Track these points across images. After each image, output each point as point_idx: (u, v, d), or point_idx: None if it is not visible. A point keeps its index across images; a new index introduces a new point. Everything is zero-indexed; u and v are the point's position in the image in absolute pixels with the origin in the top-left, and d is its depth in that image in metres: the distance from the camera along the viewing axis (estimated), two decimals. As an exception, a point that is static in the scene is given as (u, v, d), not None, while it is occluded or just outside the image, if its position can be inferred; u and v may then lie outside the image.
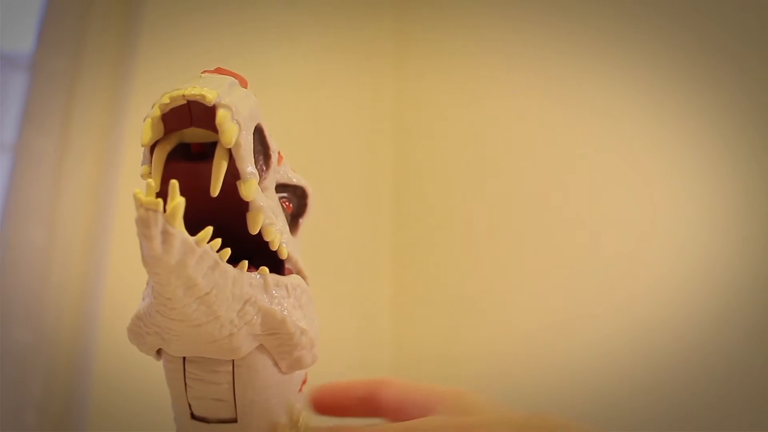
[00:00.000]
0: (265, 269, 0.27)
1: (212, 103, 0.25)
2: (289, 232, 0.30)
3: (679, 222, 0.74)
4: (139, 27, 0.93)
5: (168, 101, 0.25)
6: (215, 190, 0.25)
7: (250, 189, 0.25)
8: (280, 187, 0.31)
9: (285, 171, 0.31)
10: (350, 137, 1.09)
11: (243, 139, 0.25)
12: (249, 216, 0.26)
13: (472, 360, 0.88)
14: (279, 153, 0.30)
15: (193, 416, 0.32)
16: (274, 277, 0.28)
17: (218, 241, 0.25)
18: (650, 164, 0.78)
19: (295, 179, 0.32)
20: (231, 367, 0.30)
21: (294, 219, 0.32)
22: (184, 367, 0.31)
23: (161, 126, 0.26)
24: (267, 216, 0.27)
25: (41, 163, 0.89)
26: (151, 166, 0.26)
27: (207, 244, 0.24)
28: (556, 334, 0.81)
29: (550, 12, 0.91)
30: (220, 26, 0.98)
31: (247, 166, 0.25)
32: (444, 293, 0.96)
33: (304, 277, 0.31)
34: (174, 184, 0.23)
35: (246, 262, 0.26)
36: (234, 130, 0.24)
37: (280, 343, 0.29)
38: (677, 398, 0.69)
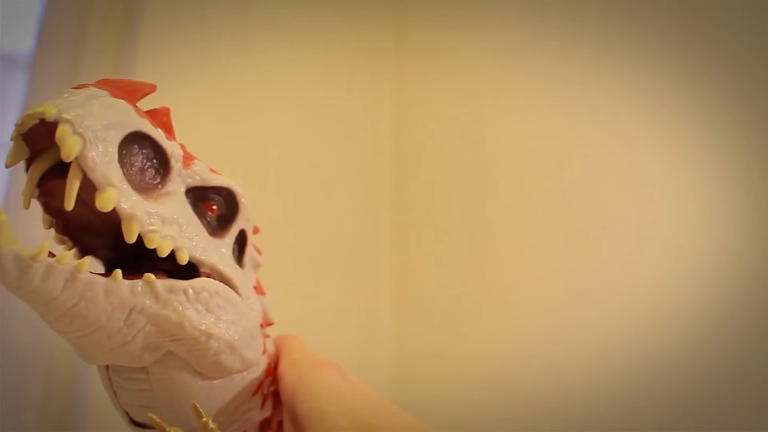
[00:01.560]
0: (149, 276, 0.27)
1: (52, 119, 0.25)
2: (204, 236, 0.30)
3: (680, 222, 0.74)
4: (139, 27, 0.93)
5: (20, 122, 0.26)
6: (68, 204, 0.25)
7: (105, 199, 0.25)
8: (200, 191, 0.31)
9: (200, 173, 0.31)
10: (350, 137, 1.09)
11: (89, 151, 0.24)
12: (123, 226, 0.26)
13: (472, 360, 0.88)
14: (188, 155, 0.30)
15: (132, 422, 0.32)
16: (166, 283, 0.28)
17: (68, 254, 0.25)
18: (650, 164, 0.78)
19: (217, 181, 0.31)
20: (146, 374, 0.30)
21: (223, 221, 0.32)
22: (109, 375, 0.32)
23: (23, 146, 0.26)
24: (145, 223, 0.26)
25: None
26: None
27: (52, 258, 0.25)
28: (557, 334, 0.81)
29: (550, 12, 0.91)
30: (220, 26, 0.98)
31: (100, 176, 0.25)
32: (444, 293, 0.96)
33: (226, 280, 0.30)
34: None
35: (119, 271, 0.26)
36: (74, 143, 0.24)
37: (187, 348, 0.29)
38: (677, 398, 0.69)
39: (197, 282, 0.29)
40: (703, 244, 0.71)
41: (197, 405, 0.30)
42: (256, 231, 0.36)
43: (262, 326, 0.34)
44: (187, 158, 0.30)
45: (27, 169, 0.27)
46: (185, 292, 0.28)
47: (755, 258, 0.68)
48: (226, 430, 0.33)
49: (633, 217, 0.78)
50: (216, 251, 0.30)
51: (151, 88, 0.30)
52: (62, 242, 0.30)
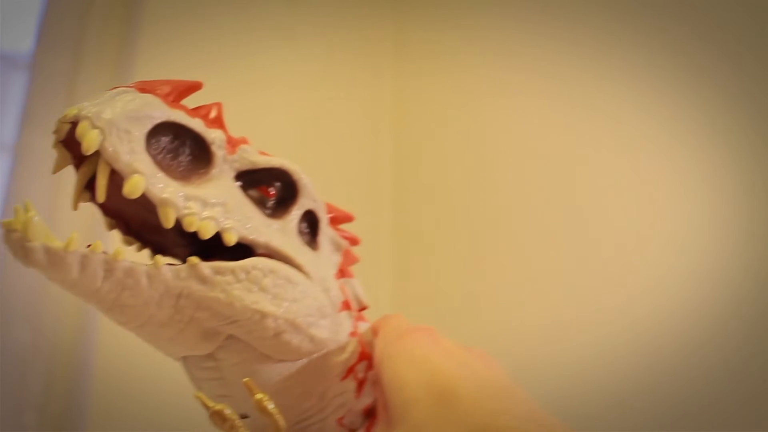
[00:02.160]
0: (193, 259, 0.27)
1: (72, 119, 0.25)
2: (258, 217, 0.30)
3: (680, 222, 0.74)
4: (139, 27, 0.93)
5: (55, 129, 0.27)
6: (99, 196, 0.26)
7: (132, 186, 0.25)
8: (252, 174, 0.31)
9: (247, 157, 0.31)
10: (350, 137, 1.09)
11: (108, 142, 0.25)
12: (158, 212, 0.26)
13: (472, 360, 0.87)
14: (232, 140, 0.30)
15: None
16: (212, 264, 0.27)
17: (99, 243, 0.25)
18: (651, 164, 0.78)
19: (267, 162, 0.31)
20: (215, 362, 0.30)
21: (282, 202, 0.32)
22: (187, 369, 0.32)
23: (65, 153, 0.27)
24: (180, 207, 0.26)
25: (41, 163, 0.89)
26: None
27: (86, 248, 0.25)
28: (557, 334, 0.81)
29: (551, 12, 0.91)
30: (220, 26, 0.98)
31: (123, 165, 0.25)
32: (444, 293, 0.96)
33: (286, 259, 0.30)
34: (26, 202, 0.25)
35: (159, 256, 0.27)
36: (93, 137, 0.25)
37: (246, 330, 0.29)
38: (677, 398, 0.69)
39: (247, 262, 0.28)
40: (703, 244, 0.71)
41: (250, 382, 0.29)
42: (355, 242, 0.37)
43: (347, 308, 0.34)
44: (232, 143, 0.30)
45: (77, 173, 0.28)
46: (233, 272, 0.28)
47: (755, 258, 0.68)
48: (315, 416, 0.32)
49: (633, 216, 0.78)
50: (273, 232, 0.30)
51: (197, 86, 0.30)
52: (129, 243, 0.31)
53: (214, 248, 0.28)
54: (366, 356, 0.34)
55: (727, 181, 0.71)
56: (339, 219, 0.36)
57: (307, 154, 1.01)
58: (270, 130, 0.99)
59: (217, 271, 0.27)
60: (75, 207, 0.28)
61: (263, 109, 0.98)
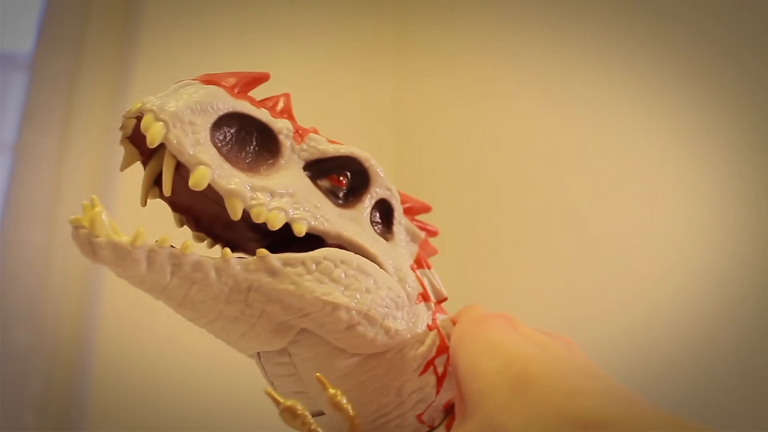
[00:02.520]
0: (262, 251, 0.26)
1: (136, 113, 0.25)
2: (328, 207, 0.29)
3: (680, 222, 0.74)
4: (139, 27, 0.93)
5: (121, 125, 0.26)
6: (166, 189, 0.25)
7: (197, 178, 0.25)
8: (321, 163, 0.30)
9: (316, 146, 0.30)
10: (350, 137, 1.09)
11: (173, 134, 0.25)
12: (226, 203, 0.26)
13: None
14: (300, 130, 0.30)
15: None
16: (281, 256, 0.27)
17: (168, 237, 0.25)
18: (651, 164, 0.78)
19: (336, 150, 0.30)
20: (289, 357, 0.29)
21: (353, 192, 0.31)
22: (263, 365, 0.31)
23: (132, 149, 0.27)
24: (247, 198, 0.26)
25: (41, 163, 0.89)
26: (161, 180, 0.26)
27: (154, 243, 0.25)
28: (556, 333, 0.81)
29: (550, 12, 0.91)
30: (220, 26, 0.98)
31: (188, 157, 0.25)
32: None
33: (359, 249, 0.29)
34: (93, 198, 0.24)
35: (227, 250, 0.26)
36: (157, 129, 0.24)
37: (319, 323, 0.28)
38: (677, 398, 0.69)
39: (317, 253, 0.27)
40: (703, 244, 0.71)
41: (322, 377, 0.28)
42: (433, 234, 0.36)
43: (425, 299, 0.33)
44: (300, 133, 0.29)
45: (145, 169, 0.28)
46: (303, 263, 0.27)
47: (755, 258, 0.68)
48: (393, 412, 0.31)
49: (633, 216, 0.78)
50: (345, 221, 0.29)
51: (264, 77, 0.30)
52: (200, 239, 0.30)
53: (287, 242, 0.28)
54: (445, 349, 0.32)
55: (727, 181, 0.71)
56: (416, 209, 0.36)
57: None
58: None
59: (287, 263, 0.27)
60: (143, 203, 0.28)
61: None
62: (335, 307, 0.27)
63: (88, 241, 0.24)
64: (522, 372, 0.25)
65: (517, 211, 0.91)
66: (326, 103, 1.06)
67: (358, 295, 0.28)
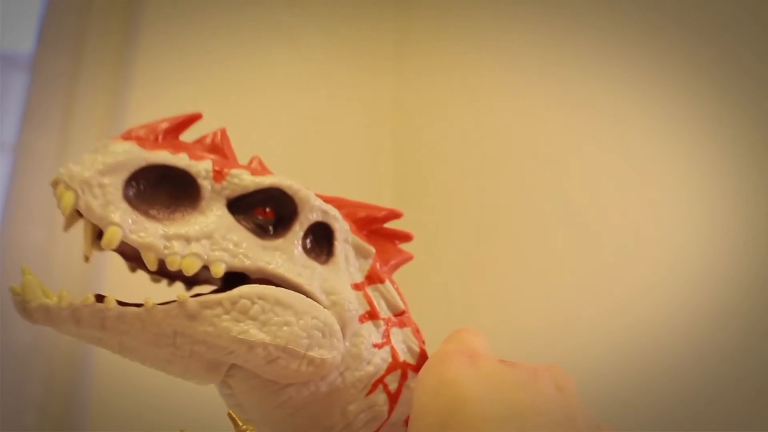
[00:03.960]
0: (182, 295, 0.28)
1: (53, 184, 0.28)
2: (251, 242, 0.29)
3: (680, 222, 0.74)
4: (139, 27, 0.93)
5: (54, 194, 0.28)
6: (86, 250, 0.28)
7: (108, 238, 0.27)
8: (246, 198, 0.30)
9: (236, 182, 0.30)
10: (350, 137, 1.09)
11: (82, 201, 0.27)
12: (142, 256, 0.28)
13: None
14: (221, 167, 0.30)
15: None
16: (200, 300, 0.28)
17: (90, 296, 0.27)
18: (651, 164, 0.78)
19: (259, 184, 0.30)
20: (230, 389, 0.31)
21: (282, 221, 0.31)
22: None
23: (71, 212, 0.28)
24: (160, 249, 0.27)
25: (41, 163, 0.89)
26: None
27: (72, 303, 0.27)
28: (557, 334, 0.81)
29: (551, 12, 0.91)
30: (220, 26, 0.98)
31: (98, 218, 0.27)
32: (444, 293, 0.96)
33: (282, 281, 0.30)
34: (23, 267, 0.27)
35: (149, 299, 0.28)
36: (68, 199, 0.27)
37: (244, 359, 0.29)
38: (677, 397, 0.69)
39: (234, 292, 0.28)
40: (703, 244, 0.71)
41: (232, 413, 0.30)
42: (405, 238, 0.36)
43: (372, 317, 0.33)
44: (220, 171, 0.30)
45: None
46: (221, 304, 0.28)
47: (755, 257, 0.68)
48: (342, 431, 0.32)
49: (633, 216, 0.78)
50: (268, 254, 0.30)
51: (194, 117, 0.31)
52: (157, 281, 0.31)
53: (240, 276, 0.29)
54: (397, 366, 0.33)
55: (727, 181, 0.71)
56: (382, 218, 0.36)
57: (307, 154, 1.01)
58: (270, 130, 0.99)
59: (205, 305, 0.28)
60: (87, 259, 0.29)
61: (263, 109, 0.98)
62: (251, 345, 0.28)
63: (22, 306, 0.27)
64: (454, 414, 0.26)
65: (517, 210, 0.91)
66: (326, 103, 1.06)
67: (275, 330, 0.29)
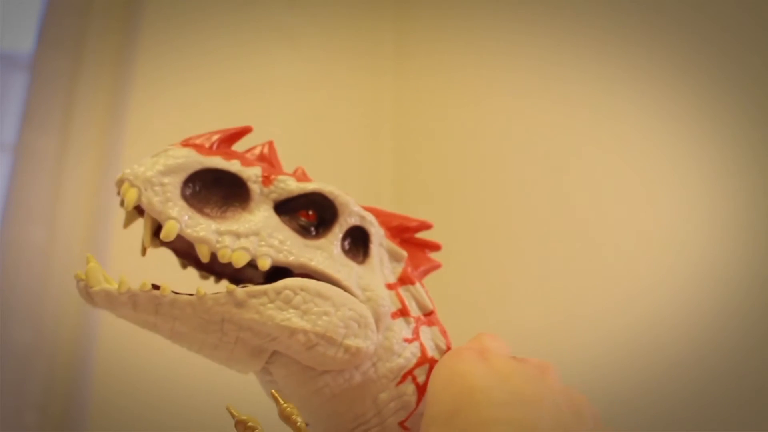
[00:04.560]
0: (230, 286, 0.31)
1: (117, 183, 0.31)
2: (295, 241, 0.33)
3: (679, 221, 0.74)
4: (139, 27, 0.93)
5: (117, 192, 0.31)
6: (146, 242, 0.31)
7: (167, 231, 0.30)
8: (290, 202, 0.33)
9: (283, 187, 0.33)
10: (350, 137, 1.09)
11: (145, 197, 0.30)
12: (196, 250, 0.30)
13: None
14: (270, 174, 0.33)
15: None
16: (247, 289, 0.31)
17: (147, 283, 0.29)
18: (650, 164, 0.78)
19: (302, 189, 0.34)
20: (271, 376, 0.34)
21: (324, 223, 0.34)
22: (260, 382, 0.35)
23: (132, 211, 0.32)
24: (213, 243, 0.30)
25: (41, 163, 0.89)
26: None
27: (130, 288, 0.29)
28: (557, 334, 0.81)
29: (550, 12, 0.91)
30: (220, 26, 0.98)
31: (158, 213, 0.30)
32: (443, 293, 0.96)
33: (322, 276, 0.32)
34: (88, 256, 0.30)
35: (200, 288, 0.30)
36: (131, 195, 0.30)
37: (285, 346, 0.32)
38: (677, 397, 0.69)
39: (279, 283, 0.31)
40: (703, 244, 0.72)
41: (275, 393, 0.31)
42: (434, 248, 0.40)
43: (403, 314, 0.36)
44: (268, 177, 0.33)
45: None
46: (266, 293, 0.31)
47: (755, 257, 0.68)
48: (372, 419, 0.34)
49: (633, 216, 0.78)
50: (311, 251, 0.33)
51: (245, 130, 0.34)
52: (205, 277, 0.35)
53: (286, 272, 0.32)
54: (425, 360, 0.35)
55: (727, 181, 0.71)
56: (413, 228, 0.39)
57: (307, 154, 1.01)
58: (270, 131, 0.99)
59: (252, 295, 0.31)
60: (143, 253, 0.32)
61: (263, 109, 0.98)
62: (293, 331, 0.31)
63: (86, 291, 0.30)
64: (463, 402, 0.28)
65: (517, 211, 0.91)
66: (326, 104, 1.06)
67: (315, 318, 0.31)
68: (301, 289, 0.32)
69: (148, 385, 0.81)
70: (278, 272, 0.32)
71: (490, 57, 0.99)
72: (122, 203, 0.31)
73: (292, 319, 0.31)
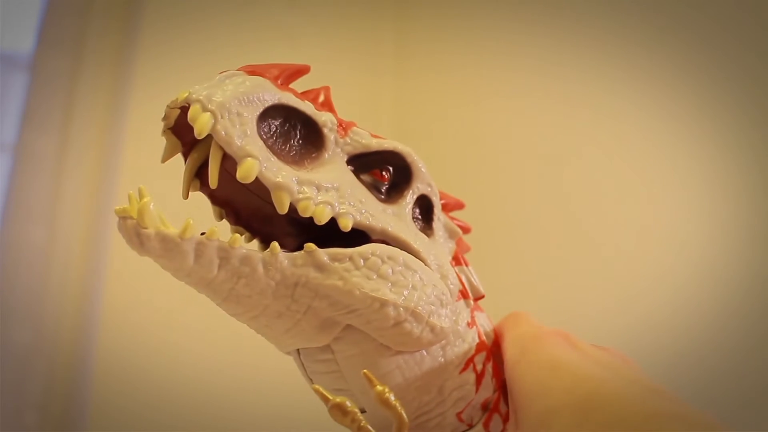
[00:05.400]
0: (310, 245, 0.26)
1: (183, 102, 0.25)
2: (372, 202, 0.28)
3: (679, 221, 0.74)
4: (139, 27, 0.93)
5: (165, 115, 0.26)
6: (212, 182, 0.25)
7: (245, 170, 0.24)
8: (364, 157, 0.29)
9: (358, 140, 0.29)
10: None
11: (221, 126, 0.24)
12: (272, 196, 0.25)
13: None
14: (343, 123, 0.29)
15: None
16: (329, 251, 0.26)
17: (216, 230, 0.24)
18: (651, 163, 0.78)
19: (379, 145, 0.30)
20: (331, 354, 0.29)
21: (396, 187, 0.30)
22: (301, 361, 0.30)
23: (174, 140, 0.26)
24: (294, 192, 0.25)
25: (41, 163, 0.89)
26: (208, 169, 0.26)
27: (201, 235, 0.24)
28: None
29: (550, 12, 0.91)
30: (220, 26, 0.98)
31: (236, 149, 0.24)
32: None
33: (403, 245, 0.28)
34: (140, 188, 0.24)
35: (276, 243, 0.25)
36: (205, 120, 0.24)
37: (365, 320, 0.27)
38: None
39: (365, 248, 0.27)
40: (703, 243, 0.71)
41: (369, 373, 0.27)
42: (466, 230, 0.35)
43: (465, 297, 0.32)
44: (343, 126, 0.29)
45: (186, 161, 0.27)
46: (351, 258, 0.26)
47: (755, 257, 0.68)
48: (434, 410, 0.31)
49: (633, 216, 0.78)
50: (388, 217, 0.29)
51: (304, 69, 0.29)
52: (238, 233, 0.29)
53: (324, 238, 0.27)
54: (484, 347, 0.32)
55: (727, 180, 0.71)
56: (450, 206, 0.35)
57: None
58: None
59: (335, 258, 0.26)
60: (185, 196, 0.27)
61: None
62: (383, 303, 0.27)
63: (135, 232, 0.23)
64: (591, 393, 0.25)
65: (516, 211, 0.91)
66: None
67: (405, 292, 0.27)
68: (389, 258, 0.27)
69: (148, 385, 0.81)
70: (331, 236, 0.27)
71: (490, 57, 0.99)
72: (167, 130, 0.26)
73: (382, 289, 0.27)
